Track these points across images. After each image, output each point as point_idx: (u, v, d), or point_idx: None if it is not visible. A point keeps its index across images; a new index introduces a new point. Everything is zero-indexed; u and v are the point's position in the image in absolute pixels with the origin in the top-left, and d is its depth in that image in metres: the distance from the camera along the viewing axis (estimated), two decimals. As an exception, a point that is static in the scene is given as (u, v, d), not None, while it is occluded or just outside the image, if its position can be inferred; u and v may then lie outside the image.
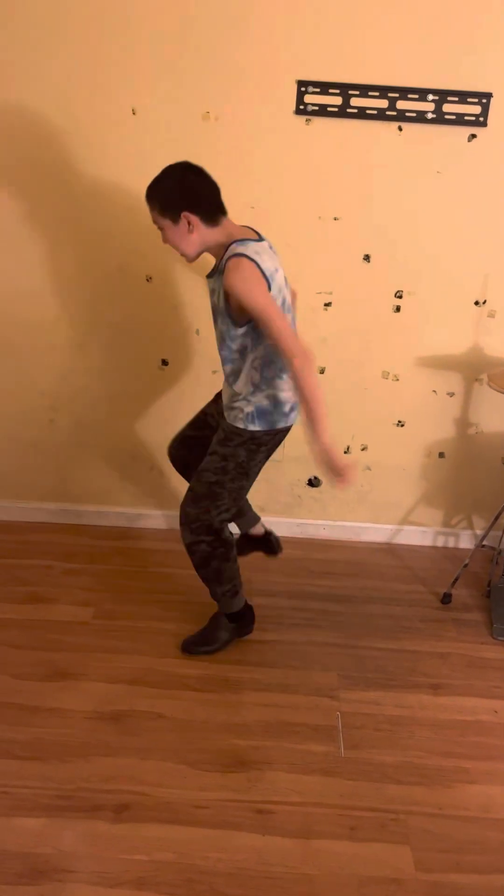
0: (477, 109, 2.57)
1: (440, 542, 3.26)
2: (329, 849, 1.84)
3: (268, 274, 2.04)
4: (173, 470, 3.16)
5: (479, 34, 2.50)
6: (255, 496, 3.13)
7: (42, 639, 2.51)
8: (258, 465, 2.32)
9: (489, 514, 3.18)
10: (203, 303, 2.88)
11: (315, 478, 3.15)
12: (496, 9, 2.47)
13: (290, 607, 2.75)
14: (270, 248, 2.17)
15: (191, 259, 2.14)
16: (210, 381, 3.00)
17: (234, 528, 3.04)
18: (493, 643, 2.62)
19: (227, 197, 2.69)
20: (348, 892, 1.74)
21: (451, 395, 2.99)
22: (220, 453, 2.28)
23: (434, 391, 2.98)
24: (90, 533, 3.19)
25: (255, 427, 2.22)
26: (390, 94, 2.56)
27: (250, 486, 2.37)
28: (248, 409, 2.21)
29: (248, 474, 2.31)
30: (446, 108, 2.57)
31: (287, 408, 2.24)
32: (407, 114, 2.58)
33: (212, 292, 2.17)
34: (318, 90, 2.57)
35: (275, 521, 3.16)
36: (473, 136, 2.61)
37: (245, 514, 2.72)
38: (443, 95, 2.55)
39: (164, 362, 2.99)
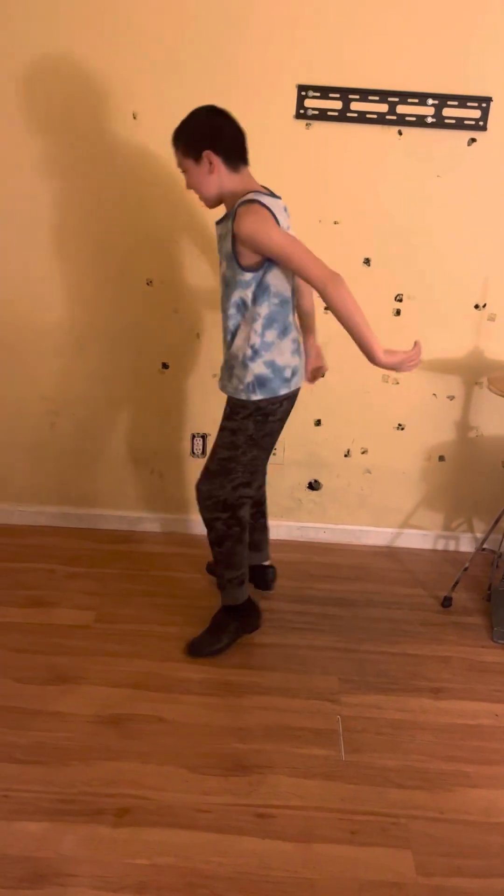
0: (477, 114, 2.57)
1: (440, 546, 3.26)
2: (330, 853, 1.84)
3: (281, 224, 2.06)
4: (174, 473, 3.17)
5: (478, 38, 2.51)
6: (256, 499, 3.13)
7: (44, 643, 2.51)
8: (271, 436, 2.32)
9: (489, 518, 3.18)
10: (203, 307, 2.89)
11: (315, 481, 3.15)
12: (496, 13, 2.48)
13: (291, 611, 2.75)
14: (285, 209, 2.18)
15: (210, 203, 2.15)
16: (211, 384, 3.00)
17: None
18: (494, 647, 2.63)
19: (227, 201, 2.69)
20: (349, 897, 1.74)
21: (452, 398, 2.99)
22: (228, 428, 2.28)
23: (434, 394, 2.99)
24: (91, 536, 3.19)
25: (256, 396, 2.20)
26: (390, 99, 2.57)
27: (267, 456, 2.39)
28: (248, 378, 2.19)
29: (259, 444, 2.30)
30: (446, 112, 2.58)
31: (288, 373, 2.22)
32: (407, 118, 2.59)
33: (220, 238, 2.17)
34: (318, 94, 2.58)
35: (275, 525, 3.16)
36: (473, 140, 2.62)
37: (261, 551, 2.76)
38: (442, 100, 2.56)
39: (165, 366, 3.00)
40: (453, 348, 2.91)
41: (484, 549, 2.92)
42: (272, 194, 2.16)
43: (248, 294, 2.11)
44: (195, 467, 3.14)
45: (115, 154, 2.68)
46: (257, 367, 2.18)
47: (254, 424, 2.25)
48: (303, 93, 2.57)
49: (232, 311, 2.16)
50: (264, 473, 2.62)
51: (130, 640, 2.54)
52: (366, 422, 3.04)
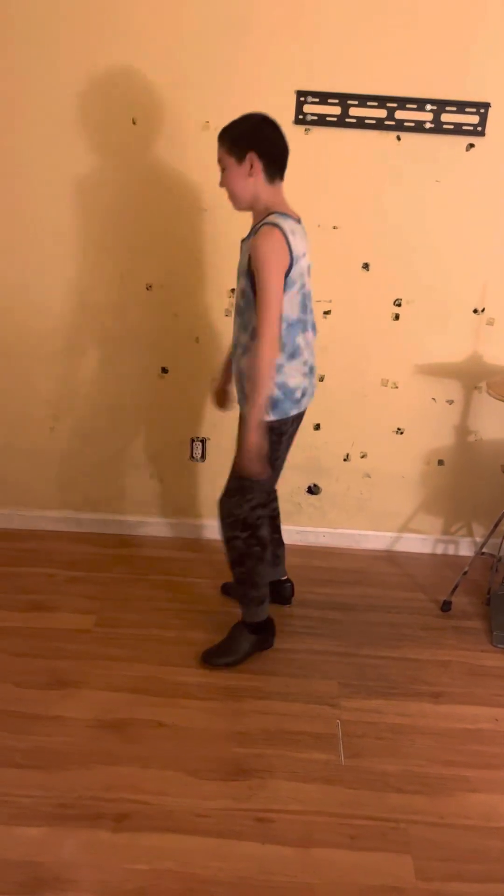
0: (475, 119, 2.58)
1: (440, 550, 3.26)
2: (329, 857, 1.83)
3: (295, 254, 2.08)
4: (173, 477, 3.17)
5: (477, 45, 2.52)
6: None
7: (44, 647, 2.51)
8: (282, 455, 2.36)
9: (489, 522, 3.18)
10: (203, 311, 2.90)
11: (314, 485, 3.16)
12: (494, 19, 2.49)
13: (290, 615, 2.76)
14: (304, 234, 2.20)
15: (239, 205, 2.17)
16: (210, 388, 3.01)
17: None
18: (494, 651, 2.63)
19: (225, 207, 2.71)
20: (349, 902, 1.74)
21: (451, 402, 2.99)
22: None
23: (433, 399, 2.99)
24: (92, 541, 3.20)
25: (269, 417, 2.23)
26: (389, 104, 2.58)
27: (277, 476, 2.41)
28: None
29: (273, 465, 2.34)
30: (444, 117, 2.58)
31: (298, 394, 2.26)
32: (405, 123, 2.60)
33: (242, 254, 2.20)
34: (317, 100, 2.59)
35: (275, 529, 3.16)
36: (472, 145, 2.63)
37: (278, 566, 2.77)
38: (441, 105, 2.57)
39: (164, 370, 3.00)
40: (452, 353, 2.92)
41: (483, 554, 2.93)
42: (297, 217, 2.19)
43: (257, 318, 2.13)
44: (195, 471, 3.15)
45: (115, 159, 2.69)
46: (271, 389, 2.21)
47: (268, 445, 2.28)
48: (302, 98, 2.58)
49: (244, 328, 2.19)
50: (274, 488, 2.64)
51: (130, 645, 2.54)
52: (365, 426, 3.05)
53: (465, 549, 3.25)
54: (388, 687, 2.42)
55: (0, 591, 2.81)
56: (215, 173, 2.68)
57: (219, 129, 2.59)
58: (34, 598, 2.77)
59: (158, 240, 2.80)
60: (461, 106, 2.57)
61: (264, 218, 2.10)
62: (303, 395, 2.28)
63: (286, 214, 2.12)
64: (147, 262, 2.83)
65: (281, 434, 2.29)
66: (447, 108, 2.57)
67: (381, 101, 2.58)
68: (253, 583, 2.44)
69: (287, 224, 2.08)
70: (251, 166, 2.08)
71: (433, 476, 3.13)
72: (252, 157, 2.07)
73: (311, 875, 1.79)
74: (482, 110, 2.58)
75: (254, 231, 2.12)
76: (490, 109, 2.58)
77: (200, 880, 1.76)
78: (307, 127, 2.62)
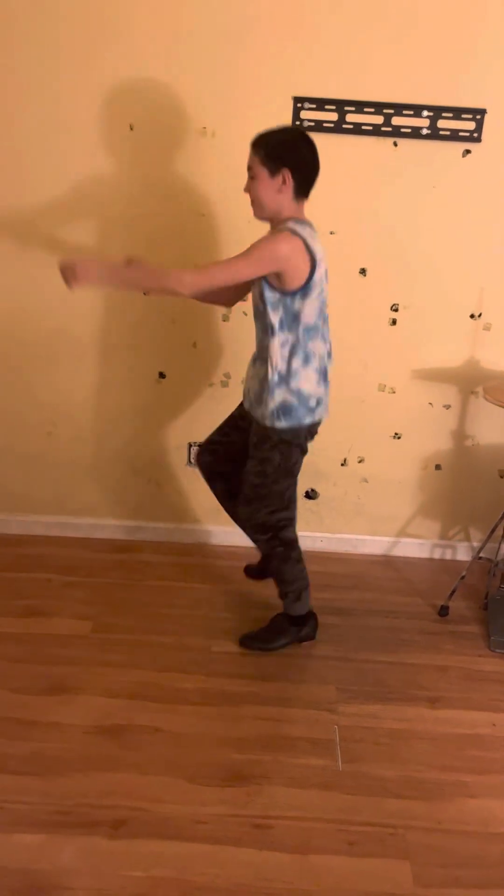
0: (471, 125, 2.59)
1: (437, 555, 3.26)
2: (327, 864, 1.83)
3: (317, 257, 2.11)
4: (171, 482, 3.17)
5: (473, 51, 2.53)
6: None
7: (40, 653, 2.51)
8: (298, 462, 2.37)
9: (486, 526, 3.18)
10: (200, 317, 2.90)
11: (312, 490, 3.16)
12: (491, 26, 2.50)
13: (288, 620, 2.75)
14: (319, 241, 2.22)
15: (262, 215, 2.18)
16: (208, 393, 3.01)
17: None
18: (491, 655, 2.63)
19: (222, 213, 2.72)
20: (347, 908, 1.73)
21: (448, 407, 3.00)
22: (256, 458, 2.34)
23: (430, 404, 3.00)
24: (89, 546, 3.19)
25: (281, 424, 2.24)
26: (385, 111, 2.59)
27: (296, 484, 2.43)
28: (273, 405, 2.23)
29: (290, 473, 2.36)
30: (441, 124, 2.59)
31: (313, 402, 2.26)
32: (402, 129, 2.61)
33: None
34: (314, 106, 2.59)
35: (272, 534, 3.16)
36: (468, 151, 2.64)
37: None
38: (437, 112, 2.58)
39: (162, 375, 3.00)
40: (449, 358, 2.92)
41: (481, 558, 2.93)
42: (312, 227, 2.20)
43: (276, 317, 2.15)
44: (192, 477, 3.15)
45: (112, 164, 2.69)
46: (283, 394, 2.22)
47: (280, 455, 2.30)
48: (299, 104, 2.59)
49: (260, 332, 2.21)
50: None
51: (127, 650, 2.54)
52: (362, 431, 3.05)
53: (463, 554, 3.25)
54: (385, 692, 2.42)
55: (-3, 596, 2.81)
56: (212, 177, 2.69)
57: (216, 135, 2.62)
58: (31, 604, 2.77)
59: (156, 245, 2.80)
60: (458, 112, 2.58)
61: (282, 224, 2.13)
62: (317, 404, 2.28)
63: (303, 221, 2.15)
64: (144, 268, 2.84)
65: (291, 444, 2.30)
66: (444, 115, 2.59)
67: (378, 107, 2.59)
68: (282, 580, 2.51)
69: (305, 231, 2.11)
70: (283, 182, 2.09)
71: (430, 481, 3.13)
72: (286, 174, 2.08)
73: (309, 882, 1.78)
74: (478, 116, 2.59)
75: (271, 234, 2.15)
76: (486, 116, 2.59)
77: (198, 887, 1.76)
78: (304, 133, 2.63)
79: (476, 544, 3.23)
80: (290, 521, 2.45)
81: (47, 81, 2.60)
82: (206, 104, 2.61)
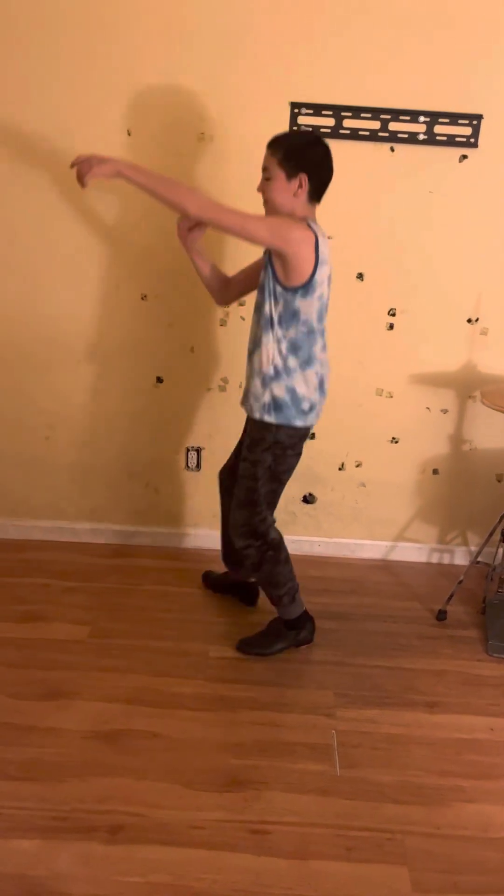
0: (468, 131, 2.60)
1: (435, 559, 3.26)
2: (325, 870, 1.82)
3: (322, 258, 2.14)
4: (168, 487, 3.17)
5: (470, 57, 2.54)
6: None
7: (38, 657, 2.50)
8: (288, 470, 2.38)
9: (483, 531, 3.18)
10: (197, 321, 2.90)
11: (310, 494, 3.16)
12: (487, 33, 2.51)
13: (286, 625, 2.75)
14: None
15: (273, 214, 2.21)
16: (205, 398, 3.01)
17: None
18: (489, 660, 2.62)
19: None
20: (345, 914, 1.72)
21: (445, 411, 3.00)
22: (249, 459, 2.35)
23: (428, 408, 3.00)
24: (87, 551, 3.19)
25: (270, 419, 2.25)
26: (382, 116, 2.60)
27: (282, 490, 2.43)
28: (266, 398, 2.24)
29: (278, 479, 2.37)
30: (438, 129, 2.61)
31: (305, 405, 2.26)
32: (399, 135, 2.62)
33: (265, 252, 2.23)
34: (311, 112, 2.60)
35: (270, 538, 3.16)
36: (464, 156, 2.65)
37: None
38: (434, 117, 2.59)
39: (159, 380, 3.00)
40: (446, 362, 2.93)
41: (478, 563, 2.93)
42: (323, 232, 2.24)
43: (276, 311, 2.16)
44: (190, 481, 3.15)
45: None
46: (277, 390, 2.23)
47: (272, 457, 2.31)
48: (296, 110, 2.60)
49: (259, 323, 2.22)
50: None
51: (125, 655, 2.53)
52: (360, 435, 3.05)
53: (461, 558, 3.25)
54: (383, 696, 2.41)
55: (-6, 601, 2.80)
56: (209, 183, 2.69)
57: (213, 141, 2.63)
58: (29, 609, 2.76)
59: (153, 250, 2.81)
60: (454, 118, 2.59)
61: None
62: (310, 408, 2.28)
63: (316, 223, 2.19)
64: (142, 273, 2.84)
65: (284, 448, 2.31)
66: (440, 120, 2.60)
67: (375, 112, 2.60)
68: (275, 583, 2.50)
69: (319, 231, 2.15)
70: (300, 186, 2.12)
71: (428, 485, 3.13)
72: (303, 179, 2.11)
73: (307, 887, 1.78)
74: (475, 122, 2.60)
75: None
76: (483, 121, 2.60)
77: (195, 893, 1.75)
78: (301, 138, 2.63)
79: (474, 548, 3.23)
80: (272, 524, 2.47)
81: (46, 86, 2.61)
82: (203, 109, 2.62)
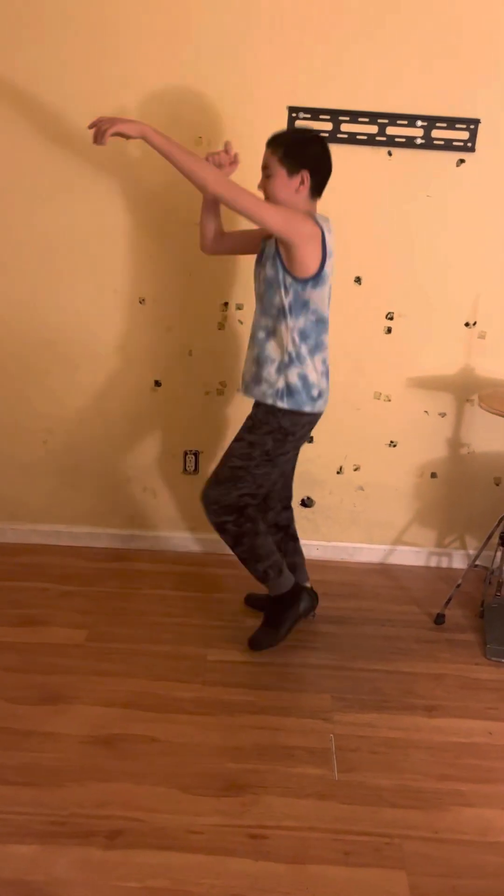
0: (465, 135, 2.61)
1: (433, 563, 3.26)
2: (323, 874, 1.82)
3: (328, 250, 2.19)
4: (166, 491, 3.17)
5: (467, 62, 2.55)
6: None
7: (36, 662, 2.50)
8: (286, 456, 2.39)
9: (482, 534, 3.18)
10: (195, 325, 2.90)
11: (308, 498, 3.16)
12: (484, 37, 2.52)
13: (284, 628, 2.74)
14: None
15: None
16: (203, 401, 3.01)
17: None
18: (487, 664, 2.62)
19: (219, 221, 2.71)
20: (344, 919, 1.72)
21: (443, 415, 3.00)
22: (247, 440, 2.35)
23: (426, 412, 3.00)
24: (84, 555, 3.18)
25: (283, 404, 2.27)
26: (380, 120, 2.61)
27: (277, 474, 2.44)
28: (280, 384, 2.27)
29: (273, 462, 2.37)
30: (435, 133, 2.61)
31: (315, 392, 2.30)
32: (396, 139, 2.62)
33: (266, 244, 2.27)
34: (308, 116, 2.61)
35: (268, 542, 3.15)
36: (462, 161, 2.65)
37: (297, 569, 2.76)
38: (431, 121, 2.60)
39: (158, 383, 3.00)
40: (444, 366, 2.93)
41: (476, 566, 2.93)
42: (329, 222, 2.28)
43: (286, 301, 2.20)
44: (188, 485, 3.15)
45: (108, 174, 2.70)
46: (291, 376, 2.26)
47: (273, 441, 2.33)
48: (293, 114, 2.61)
49: (269, 314, 2.24)
50: (289, 495, 2.68)
51: (123, 659, 2.53)
52: (358, 439, 3.05)
53: (459, 562, 3.25)
54: (381, 700, 2.41)
55: (-8, 605, 2.80)
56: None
57: (212, 145, 2.63)
58: (26, 613, 2.76)
59: (151, 254, 2.81)
60: (451, 122, 2.60)
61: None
62: (319, 395, 2.32)
63: (321, 216, 2.24)
64: (140, 276, 2.84)
65: (287, 434, 2.33)
66: (437, 125, 2.60)
67: (373, 117, 2.60)
68: (258, 557, 2.48)
69: (326, 224, 2.20)
70: (301, 183, 2.16)
71: (426, 489, 3.13)
72: (304, 175, 2.15)
73: (305, 892, 1.77)
74: (472, 126, 2.60)
75: None
76: (480, 126, 2.61)
77: (193, 898, 1.75)
78: (299, 142, 2.64)
79: (472, 552, 3.23)
80: (253, 502, 2.45)
81: (45, 90, 2.61)
82: (201, 114, 2.62)
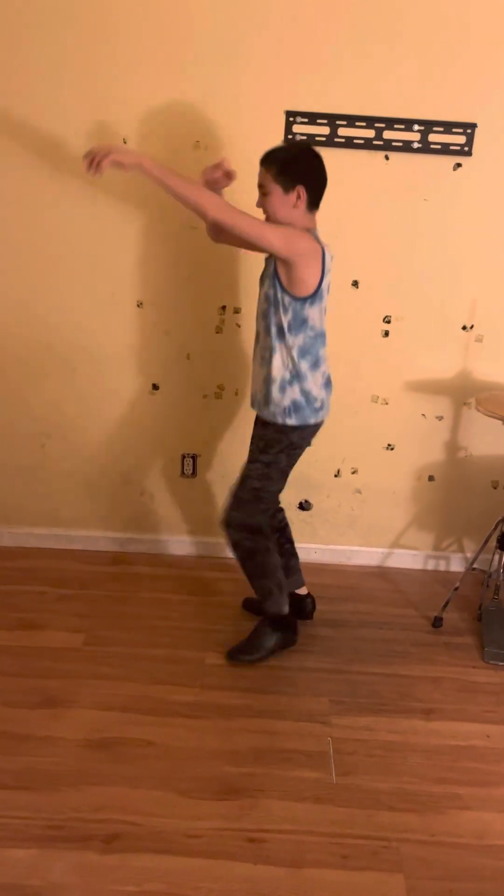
0: (462, 139, 2.62)
1: (431, 566, 3.26)
2: (321, 878, 1.82)
3: (326, 268, 2.21)
4: (164, 494, 3.17)
5: (463, 66, 2.55)
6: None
7: (33, 666, 2.49)
8: (292, 465, 2.45)
9: (479, 537, 3.19)
10: (193, 328, 2.91)
11: (306, 501, 3.16)
12: (481, 42, 2.53)
13: (282, 632, 2.74)
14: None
15: None
16: (201, 405, 3.02)
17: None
18: (485, 667, 2.62)
19: (217, 225, 2.71)
20: (341, 922, 1.72)
21: (440, 418, 3.01)
22: (262, 461, 2.40)
23: (423, 415, 3.01)
24: (82, 558, 3.18)
25: (291, 421, 2.32)
26: (377, 125, 2.61)
27: (284, 485, 2.49)
28: (285, 402, 2.31)
29: (286, 474, 2.45)
30: (432, 138, 2.62)
31: (317, 404, 2.35)
32: (393, 143, 2.63)
33: (266, 266, 2.28)
34: (306, 120, 2.62)
35: (266, 545, 3.15)
36: (458, 165, 2.66)
37: (292, 573, 2.77)
38: (428, 126, 2.60)
39: (156, 387, 3.01)
40: (442, 369, 2.94)
41: (474, 569, 2.93)
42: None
43: (286, 320, 2.22)
44: (185, 488, 3.15)
45: (106, 178, 2.70)
46: (294, 393, 2.30)
47: (286, 457, 2.39)
48: (291, 118, 2.61)
49: (271, 334, 2.26)
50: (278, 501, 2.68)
51: (120, 663, 2.53)
52: (356, 442, 3.06)
53: (456, 565, 3.25)
54: (379, 704, 2.41)
55: (-11, 609, 2.80)
56: (205, 192, 2.70)
57: (209, 149, 2.64)
58: (24, 617, 2.76)
59: (149, 258, 2.81)
60: (448, 126, 2.61)
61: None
62: (321, 406, 2.36)
63: (316, 235, 2.24)
64: (138, 280, 2.85)
65: (296, 447, 2.39)
66: (434, 129, 2.61)
67: (370, 121, 2.61)
68: (265, 573, 2.52)
69: (323, 242, 2.22)
70: (298, 198, 2.16)
71: (424, 492, 3.14)
72: (301, 191, 2.15)
73: (303, 895, 1.77)
74: (469, 131, 2.61)
75: None
76: (476, 130, 2.61)
77: (191, 902, 1.74)
78: (296, 146, 2.64)
79: (469, 555, 3.23)
80: (267, 515, 2.53)
81: (43, 94, 2.61)
82: (199, 118, 2.63)
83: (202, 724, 2.28)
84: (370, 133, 2.62)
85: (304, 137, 2.62)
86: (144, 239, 2.79)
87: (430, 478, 3.11)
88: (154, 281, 2.85)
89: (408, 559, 3.25)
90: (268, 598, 2.55)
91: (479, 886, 1.81)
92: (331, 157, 2.65)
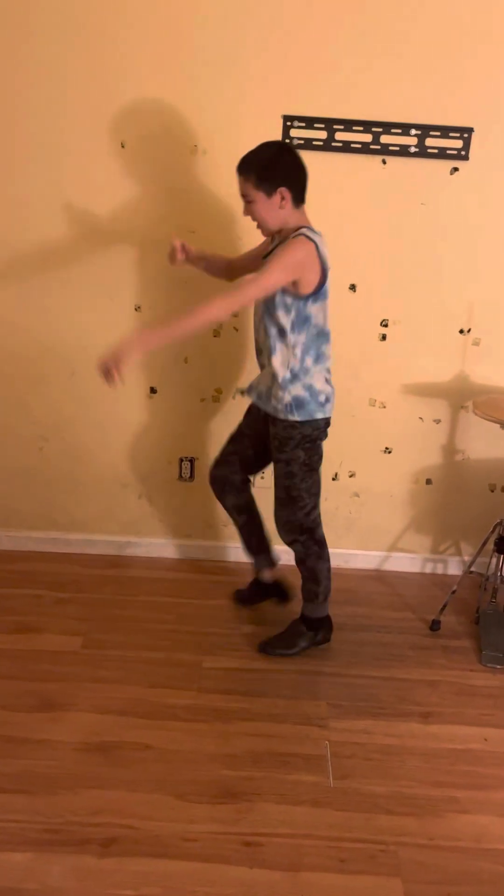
0: (459, 144, 2.63)
1: (428, 569, 3.26)
2: (319, 882, 1.82)
3: (326, 265, 2.22)
4: (162, 498, 3.17)
5: (461, 70, 2.56)
6: (245, 524, 3.13)
7: (31, 669, 2.49)
8: (320, 458, 2.45)
9: (477, 541, 3.19)
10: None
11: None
12: (478, 46, 2.54)
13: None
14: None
15: (269, 233, 2.28)
16: (199, 408, 3.02)
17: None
18: (483, 670, 2.62)
19: (213, 230, 2.74)
20: (339, 926, 1.72)
21: (438, 422, 3.01)
22: (282, 460, 2.41)
23: (420, 418, 3.01)
24: (79, 561, 3.18)
25: (294, 417, 2.33)
26: (374, 129, 2.62)
27: (320, 477, 2.49)
28: (287, 399, 2.32)
29: (314, 468, 2.44)
30: (429, 142, 2.63)
31: (322, 398, 2.35)
32: (390, 147, 2.64)
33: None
34: (303, 124, 2.62)
35: (264, 549, 3.15)
36: (456, 169, 2.67)
37: (265, 548, 2.78)
38: (425, 130, 2.61)
39: (153, 390, 3.01)
40: (439, 373, 2.94)
41: (472, 572, 2.93)
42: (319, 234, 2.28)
43: (288, 319, 2.23)
44: (183, 491, 3.15)
45: (104, 181, 2.71)
46: (295, 390, 2.31)
47: (304, 452, 2.39)
48: (288, 123, 2.62)
49: (272, 333, 2.27)
50: (253, 470, 2.67)
51: (118, 666, 2.53)
52: (353, 445, 3.06)
53: (454, 568, 3.25)
54: (376, 707, 2.41)
55: (-13, 612, 2.79)
56: (203, 195, 2.71)
57: (206, 153, 2.65)
58: (21, 620, 2.75)
59: (147, 261, 2.82)
60: (445, 131, 2.61)
61: (295, 232, 2.19)
62: (327, 400, 2.37)
63: (312, 228, 2.23)
64: (135, 283, 2.85)
65: (313, 440, 2.39)
66: (431, 133, 2.62)
67: (367, 125, 2.62)
68: (315, 579, 2.57)
69: (317, 237, 2.20)
70: (282, 199, 2.17)
71: (421, 495, 3.14)
72: (283, 192, 2.15)
73: (300, 899, 1.77)
74: (466, 135, 2.62)
75: (281, 242, 2.23)
76: (473, 134, 2.62)
77: (188, 906, 1.74)
78: (294, 151, 2.65)
79: (467, 559, 3.23)
80: (320, 520, 2.54)
81: (41, 98, 2.62)
82: (197, 122, 2.64)
83: (199, 728, 2.28)
84: (367, 137, 2.63)
85: (302, 141, 2.62)
86: (142, 242, 2.79)
87: (428, 481, 3.12)
88: (152, 284, 2.85)
89: (405, 562, 3.25)
90: (311, 601, 2.60)
91: (477, 890, 1.81)
92: (328, 162, 2.67)
